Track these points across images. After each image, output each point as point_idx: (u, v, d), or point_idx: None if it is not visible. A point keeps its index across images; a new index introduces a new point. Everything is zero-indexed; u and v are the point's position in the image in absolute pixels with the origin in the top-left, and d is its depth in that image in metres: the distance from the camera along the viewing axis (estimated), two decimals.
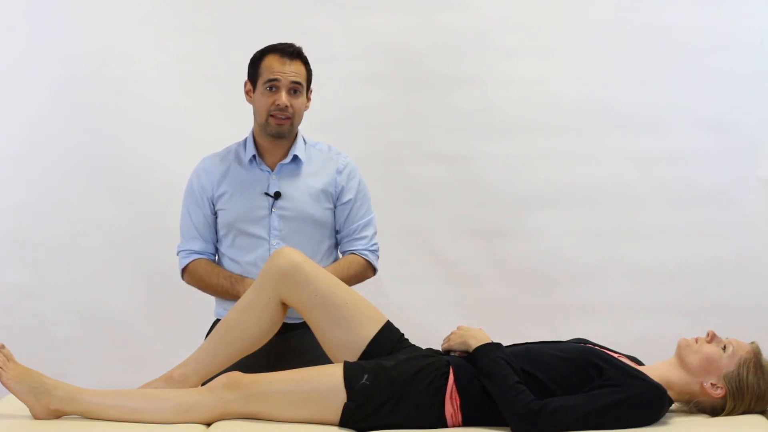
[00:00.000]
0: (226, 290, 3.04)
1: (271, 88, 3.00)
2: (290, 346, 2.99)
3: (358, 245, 3.13)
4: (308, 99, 3.09)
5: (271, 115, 3.01)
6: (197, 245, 3.11)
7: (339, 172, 3.11)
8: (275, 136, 3.03)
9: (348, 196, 3.11)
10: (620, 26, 4.07)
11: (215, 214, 3.11)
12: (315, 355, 2.85)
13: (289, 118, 3.01)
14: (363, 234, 3.13)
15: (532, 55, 4.09)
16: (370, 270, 3.16)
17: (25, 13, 4.07)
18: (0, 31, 4.09)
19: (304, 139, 3.13)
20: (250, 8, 4.09)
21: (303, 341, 2.96)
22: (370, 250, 3.14)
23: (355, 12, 4.11)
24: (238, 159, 3.11)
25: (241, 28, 4.03)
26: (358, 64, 4.11)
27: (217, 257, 3.16)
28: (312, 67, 3.10)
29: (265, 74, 3.01)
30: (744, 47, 4.03)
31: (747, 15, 4.04)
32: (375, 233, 3.17)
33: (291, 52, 3.02)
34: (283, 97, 2.99)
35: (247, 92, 3.09)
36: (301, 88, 3.02)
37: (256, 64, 3.05)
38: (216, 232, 3.13)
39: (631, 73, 4.06)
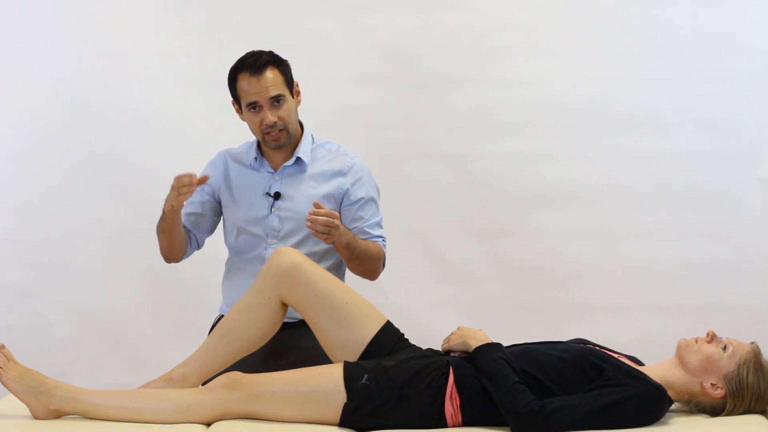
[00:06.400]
0: (163, 222, 2.97)
1: (253, 108, 2.97)
2: (291, 344, 2.98)
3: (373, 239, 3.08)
4: (297, 93, 3.04)
5: (265, 133, 2.99)
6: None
7: (343, 174, 3.07)
8: (276, 148, 3.03)
9: (354, 196, 3.07)
10: (620, 26, 4.07)
11: (219, 203, 3.12)
12: (315, 354, 2.85)
13: (282, 130, 2.99)
14: (377, 233, 3.08)
15: (532, 55, 4.09)
16: (381, 262, 3.09)
17: (24, 14, 4.07)
18: (0, 31, 4.09)
19: (312, 138, 3.11)
20: (249, 8, 4.09)
21: (303, 340, 2.96)
22: (383, 245, 3.09)
23: (354, 12, 4.11)
24: (247, 160, 3.10)
25: (240, 28, 4.03)
26: (357, 64, 4.10)
27: (229, 255, 3.16)
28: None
29: (243, 97, 2.98)
30: (744, 47, 4.03)
31: (747, 15, 4.04)
32: (383, 238, 3.11)
33: (258, 67, 2.94)
34: (269, 116, 2.95)
35: (237, 111, 3.06)
36: (282, 96, 2.96)
37: (232, 84, 3.01)
38: (214, 223, 3.16)
39: (631, 73, 4.06)
